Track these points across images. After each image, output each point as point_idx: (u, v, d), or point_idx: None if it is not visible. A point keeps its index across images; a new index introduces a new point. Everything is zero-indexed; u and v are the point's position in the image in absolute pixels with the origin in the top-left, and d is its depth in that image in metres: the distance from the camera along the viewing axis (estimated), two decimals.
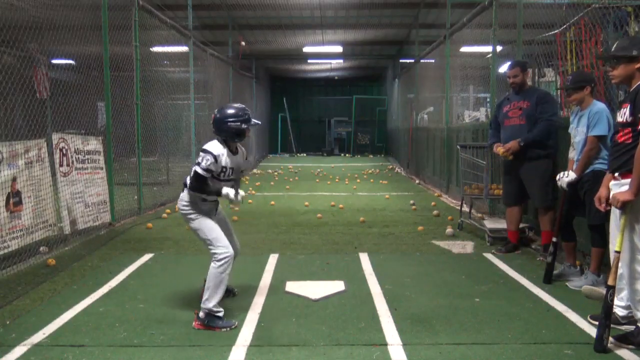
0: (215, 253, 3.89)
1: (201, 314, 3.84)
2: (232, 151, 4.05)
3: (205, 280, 3.93)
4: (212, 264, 3.88)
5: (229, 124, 3.93)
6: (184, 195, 4.03)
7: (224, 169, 3.98)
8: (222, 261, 3.86)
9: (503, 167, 6.32)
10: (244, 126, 3.97)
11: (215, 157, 3.89)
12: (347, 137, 26.44)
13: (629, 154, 3.49)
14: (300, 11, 15.54)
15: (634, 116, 3.45)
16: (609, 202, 3.69)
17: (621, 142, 3.61)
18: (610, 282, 3.53)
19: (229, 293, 4.44)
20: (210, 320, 3.83)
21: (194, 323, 3.85)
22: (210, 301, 3.82)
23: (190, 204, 3.99)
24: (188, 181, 3.99)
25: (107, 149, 7.52)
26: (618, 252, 3.55)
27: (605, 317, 3.45)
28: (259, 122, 4.25)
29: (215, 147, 3.94)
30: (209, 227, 3.97)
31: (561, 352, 3.45)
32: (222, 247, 3.89)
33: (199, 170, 3.87)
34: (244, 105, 4.12)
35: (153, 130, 9.55)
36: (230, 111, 3.98)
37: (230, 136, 3.98)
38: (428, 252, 6.19)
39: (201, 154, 3.91)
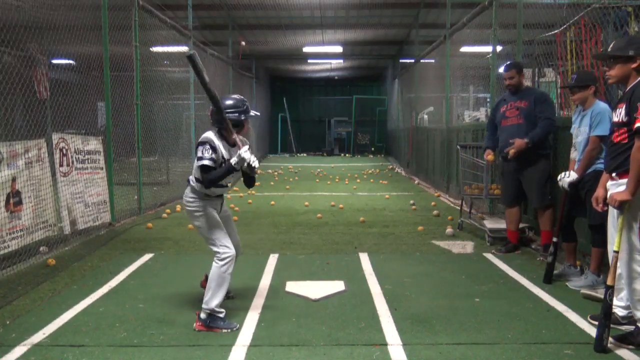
0: (217, 252, 3.86)
1: (202, 315, 3.82)
2: (230, 143, 3.95)
3: (206, 276, 3.88)
4: (215, 264, 3.85)
5: (227, 114, 3.85)
6: (188, 192, 3.96)
7: (224, 160, 3.89)
8: (225, 261, 3.83)
9: (501, 167, 6.32)
10: (242, 117, 3.93)
11: (213, 147, 3.82)
12: (347, 137, 26.45)
13: (625, 154, 3.50)
14: (300, 11, 15.53)
15: (630, 116, 3.45)
16: (607, 202, 3.70)
17: (617, 142, 3.61)
18: (609, 282, 3.53)
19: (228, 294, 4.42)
20: (211, 321, 3.81)
21: (195, 324, 3.83)
22: (213, 301, 3.80)
23: (195, 200, 3.92)
24: (192, 181, 3.93)
25: (107, 149, 7.52)
26: (616, 252, 3.55)
27: (604, 317, 3.46)
28: (258, 114, 4.15)
29: (210, 136, 3.86)
30: (212, 226, 3.90)
31: (561, 352, 3.45)
32: (225, 246, 3.86)
33: (206, 162, 3.76)
34: (242, 97, 4.06)
35: (153, 130, 9.55)
36: (229, 102, 3.93)
37: (227, 127, 3.87)
38: (428, 252, 6.19)
39: (199, 147, 3.82)
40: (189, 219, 4.09)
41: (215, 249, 3.89)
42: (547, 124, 5.59)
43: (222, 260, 3.84)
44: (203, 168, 3.80)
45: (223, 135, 3.93)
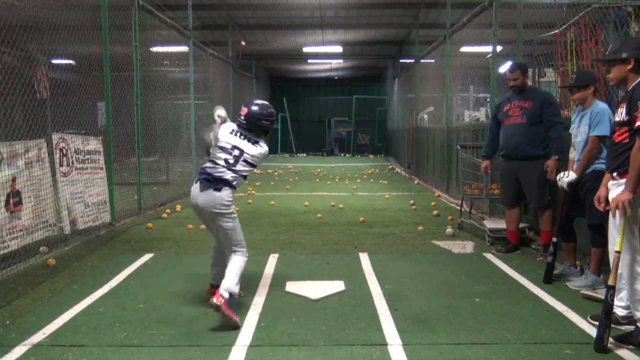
0: (242, 250, 4.21)
1: (226, 295, 3.89)
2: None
3: (211, 285, 4.26)
4: (241, 257, 4.16)
5: (262, 121, 4.27)
6: (226, 195, 4.11)
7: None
8: (246, 257, 4.23)
9: (500, 168, 6.32)
10: (274, 125, 4.42)
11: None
12: (347, 137, 26.44)
13: (626, 154, 3.50)
14: (300, 11, 15.54)
15: (630, 115, 3.47)
16: (609, 203, 3.70)
17: (618, 141, 3.63)
18: (610, 282, 3.53)
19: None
20: (231, 304, 3.90)
21: (216, 299, 3.81)
22: (238, 286, 4.04)
23: (232, 203, 4.17)
24: (235, 183, 4.14)
25: (107, 149, 7.52)
26: (618, 252, 3.55)
27: (605, 317, 3.46)
28: (277, 127, 4.51)
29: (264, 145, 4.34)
30: (240, 228, 4.24)
31: (561, 352, 3.45)
32: (245, 245, 4.26)
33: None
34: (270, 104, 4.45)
35: (153, 130, 9.55)
36: (270, 110, 4.36)
37: (259, 132, 4.30)
38: (428, 252, 6.19)
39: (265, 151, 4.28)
40: (220, 222, 4.13)
41: (241, 248, 4.20)
42: (560, 128, 5.55)
43: (245, 256, 4.21)
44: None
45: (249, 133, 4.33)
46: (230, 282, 3.97)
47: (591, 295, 4.41)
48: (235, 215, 4.21)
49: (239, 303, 4.28)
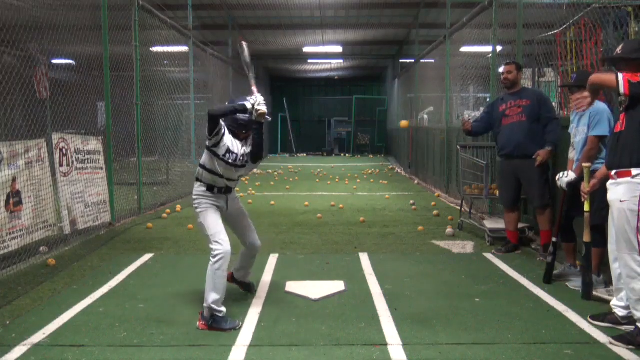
0: (211, 249, 3.90)
1: (205, 314, 3.85)
2: (240, 139, 4.07)
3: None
4: (209, 266, 3.88)
5: (237, 114, 3.96)
6: (194, 188, 4.08)
7: (229, 151, 3.98)
8: (216, 258, 3.84)
9: (499, 168, 6.32)
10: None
11: (221, 126, 3.92)
12: (347, 137, 26.46)
13: (622, 145, 3.54)
14: (300, 11, 15.55)
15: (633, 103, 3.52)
16: (607, 203, 3.72)
17: (617, 132, 3.66)
18: (585, 239, 4.23)
19: (249, 288, 4.58)
20: (214, 321, 3.82)
21: (198, 323, 3.85)
22: (209, 298, 3.82)
23: (199, 197, 4.02)
24: (198, 172, 4.05)
25: (107, 149, 7.52)
26: (588, 212, 4.09)
27: (586, 266, 4.22)
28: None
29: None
30: (211, 223, 3.95)
31: (561, 352, 3.45)
32: (218, 243, 3.87)
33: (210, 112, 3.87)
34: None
35: (153, 130, 9.55)
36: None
37: (236, 126, 4.00)
38: (428, 252, 6.19)
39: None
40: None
41: (210, 245, 3.93)
42: (558, 124, 5.65)
43: (213, 257, 3.86)
44: (209, 116, 3.85)
45: (233, 132, 4.03)
46: (207, 298, 3.83)
47: (592, 294, 4.41)
48: (201, 210, 4.00)
49: (232, 302, 4.28)
